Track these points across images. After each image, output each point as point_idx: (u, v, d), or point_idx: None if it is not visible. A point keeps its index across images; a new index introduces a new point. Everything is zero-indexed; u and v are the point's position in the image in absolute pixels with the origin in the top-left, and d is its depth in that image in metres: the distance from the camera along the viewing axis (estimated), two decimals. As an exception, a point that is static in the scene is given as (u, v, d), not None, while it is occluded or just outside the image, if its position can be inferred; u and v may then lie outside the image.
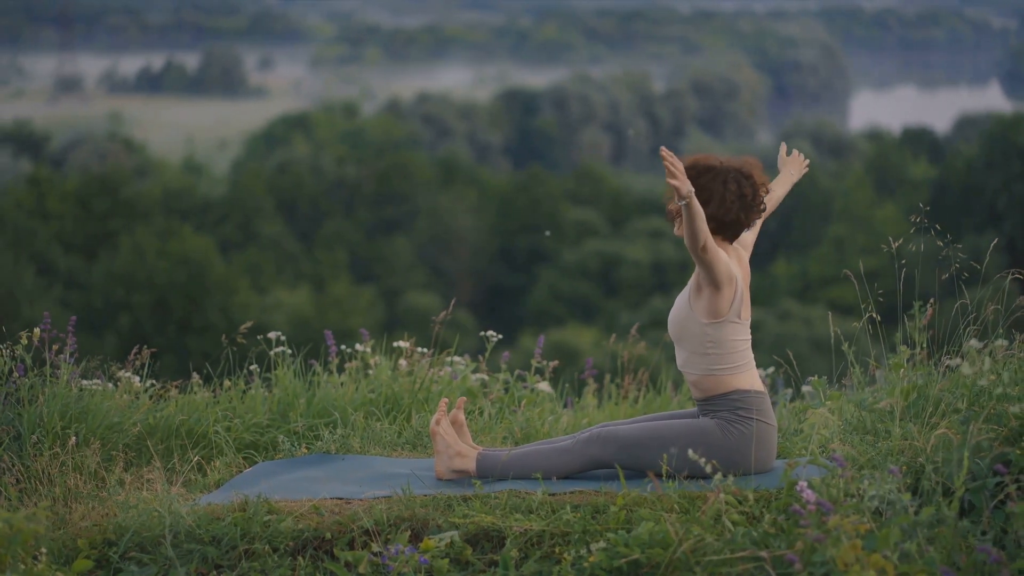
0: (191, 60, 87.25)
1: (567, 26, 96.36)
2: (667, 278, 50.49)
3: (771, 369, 8.11)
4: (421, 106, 75.71)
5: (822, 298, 45.33)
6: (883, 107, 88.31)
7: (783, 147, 6.27)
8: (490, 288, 52.89)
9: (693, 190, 5.27)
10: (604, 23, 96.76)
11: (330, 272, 49.01)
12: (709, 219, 5.50)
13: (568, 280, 50.56)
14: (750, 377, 5.59)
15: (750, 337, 5.64)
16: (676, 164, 5.27)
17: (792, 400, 7.44)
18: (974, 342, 6.68)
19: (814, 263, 50.35)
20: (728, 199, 5.53)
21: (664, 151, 5.30)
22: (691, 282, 5.61)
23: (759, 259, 54.42)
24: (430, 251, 53.59)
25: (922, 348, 6.11)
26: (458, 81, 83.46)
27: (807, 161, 6.27)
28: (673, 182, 5.23)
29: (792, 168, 6.22)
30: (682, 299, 5.63)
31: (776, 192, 6.09)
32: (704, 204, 5.48)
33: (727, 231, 5.60)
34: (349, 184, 57.20)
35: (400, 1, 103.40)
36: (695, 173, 5.53)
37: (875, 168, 58.35)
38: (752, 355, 5.63)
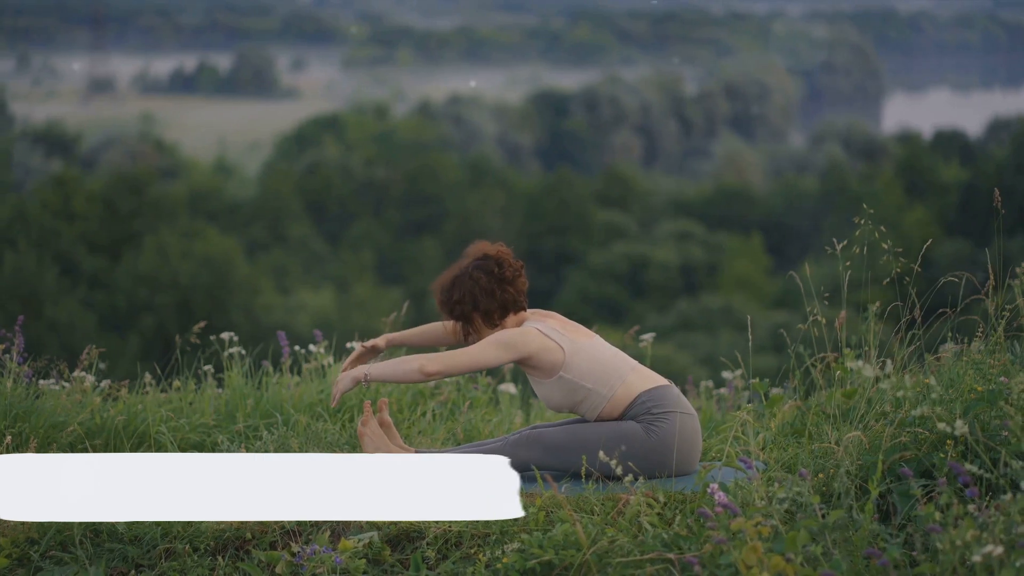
0: (223, 61, 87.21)
1: (599, 28, 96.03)
2: (695, 280, 50.38)
3: (739, 371, 8.06)
4: (452, 108, 75.63)
5: (851, 301, 45.11)
6: (916, 110, 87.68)
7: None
8: (518, 290, 52.82)
9: (366, 373, 5.54)
10: (636, 25, 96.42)
11: (355, 273, 49.07)
12: (490, 312, 5.66)
13: (596, 282, 50.45)
14: (642, 377, 5.59)
15: (606, 346, 5.66)
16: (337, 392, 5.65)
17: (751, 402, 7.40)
18: (949, 345, 6.65)
19: (842, 266, 50.04)
20: (487, 288, 5.67)
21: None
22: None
23: (787, 263, 54.31)
24: (458, 252, 53.33)
25: (874, 350, 6.08)
26: (490, 83, 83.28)
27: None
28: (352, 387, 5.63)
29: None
30: (531, 382, 5.71)
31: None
32: (475, 308, 5.66)
33: (508, 308, 5.72)
34: (378, 185, 57.25)
35: (432, 3, 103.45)
36: (448, 295, 5.72)
37: (906, 171, 58.05)
38: (626, 357, 5.65)
